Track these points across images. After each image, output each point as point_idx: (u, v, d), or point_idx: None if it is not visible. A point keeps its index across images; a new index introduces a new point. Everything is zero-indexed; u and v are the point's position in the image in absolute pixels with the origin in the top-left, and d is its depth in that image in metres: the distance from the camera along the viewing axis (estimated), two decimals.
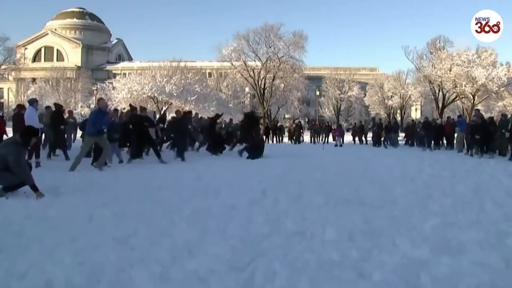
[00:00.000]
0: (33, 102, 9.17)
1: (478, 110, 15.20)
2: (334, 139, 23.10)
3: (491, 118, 14.90)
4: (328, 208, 4.68)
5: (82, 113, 42.33)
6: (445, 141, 17.38)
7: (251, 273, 2.77)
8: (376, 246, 3.32)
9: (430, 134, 16.86)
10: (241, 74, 44.48)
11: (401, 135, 21.96)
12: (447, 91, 41.50)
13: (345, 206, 4.81)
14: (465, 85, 39.00)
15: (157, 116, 17.96)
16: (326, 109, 53.33)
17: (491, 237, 3.53)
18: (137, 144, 10.38)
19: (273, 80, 43.50)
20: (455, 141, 16.36)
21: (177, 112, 13.67)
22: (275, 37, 42.78)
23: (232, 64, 44.38)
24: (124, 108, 33.03)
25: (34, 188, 5.17)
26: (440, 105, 41.89)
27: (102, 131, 8.58)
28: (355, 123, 28.82)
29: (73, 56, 62.14)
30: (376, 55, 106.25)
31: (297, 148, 18.70)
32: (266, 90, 43.89)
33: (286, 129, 28.57)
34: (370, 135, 22.22)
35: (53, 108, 11.74)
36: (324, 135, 24.33)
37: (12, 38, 52.92)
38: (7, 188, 5.24)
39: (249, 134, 12.20)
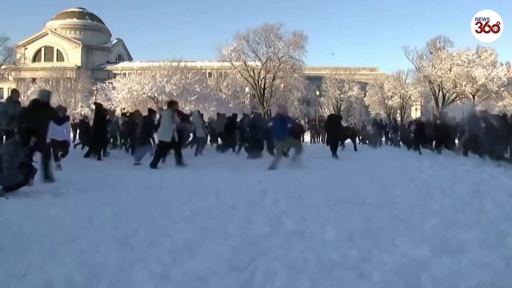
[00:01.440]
0: (59, 109, 8.95)
1: (446, 113, 15.77)
2: None
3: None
4: (328, 208, 4.68)
5: (82, 113, 42.26)
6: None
7: (251, 273, 2.77)
8: (376, 246, 3.32)
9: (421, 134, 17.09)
10: (241, 74, 44.48)
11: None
12: (447, 91, 41.53)
13: (345, 206, 4.81)
14: (465, 85, 39.06)
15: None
16: (326, 109, 53.25)
17: (491, 237, 3.53)
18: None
19: (273, 80, 43.51)
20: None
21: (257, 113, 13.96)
22: (275, 37, 42.80)
23: (232, 64, 44.38)
24: (124, 108, 33.06)
25: (6, 189, 5.21)
26: (440, 105, 41.89)
27: (287, 135, 8.99)
28: (354, 123, 28.76)
29: (73, 56, 62.06)
30: (376, 55, 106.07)
31: None
32: (266, 90, 43.90)
33: None
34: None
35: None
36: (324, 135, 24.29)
37: (12, 38, 52.73)
38: (7, 188, 5.24)
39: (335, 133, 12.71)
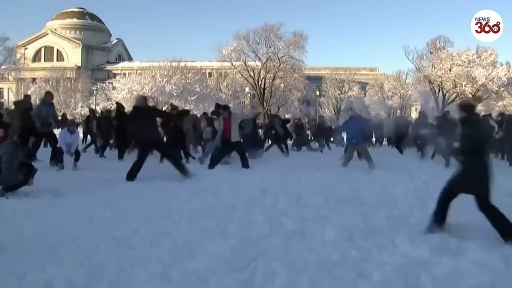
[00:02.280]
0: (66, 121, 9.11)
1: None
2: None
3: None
4: (328, 208, 4.68)
5: (82, 113, 42.24)
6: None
7: (251, 273, 2.77)
8: (376, 246, 3.32)
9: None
10: (241, 74, 44.43)
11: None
12: (447, 91, 41.50)
13: (345, 206, 4.80)
14: (465, 85, 39.04)
15: None
16: (326, 109, 53.26)
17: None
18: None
19: (273, 80, 43.46)
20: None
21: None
22: (275, 37, 42.75)
23: (232, 64, 44.35)
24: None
25: (6, 189, 5.22)
26: (440, 105, 41.88)
27: (361, 140, 9.22)
28: None
29: (73, 56, 62.04)
30: (376, 55, 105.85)
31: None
32: (266, 90, 43.85)
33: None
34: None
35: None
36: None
37: (12, 38, 52.50)
38: (7, 188, 5.24)
39: None
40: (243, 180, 6.90)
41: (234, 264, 2.95)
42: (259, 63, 43.42)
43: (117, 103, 12.43)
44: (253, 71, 43.69)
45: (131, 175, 6.93)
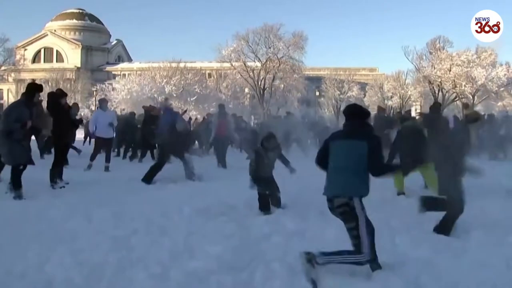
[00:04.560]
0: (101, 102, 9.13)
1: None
2: None
3: None
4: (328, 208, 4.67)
5: (82, 113, 42.18)
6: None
7: (251, 273, 2.77)
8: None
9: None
10: (240, 75, 44.46)
11: None
12: (446, 91, 41.53)
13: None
14: (464, 85, 39.09)
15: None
16: (326, 110, 53.24)
17: (491, 237, 3.53)
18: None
19: (272, 80, 43.46)
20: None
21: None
22: (275, 37, 42.76)
23: (232, 65, 44.36)
24: (123, 109, 33.09)
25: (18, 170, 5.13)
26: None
27: None
28: None
29: (73, 57, 62.00)
30: (376, 55, 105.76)
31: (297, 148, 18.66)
32: (265, 91, 43.86)
33: None
34: None
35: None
36: None
37: (11, 39, 52.63)
38: (15, 174, 5.16)
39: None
40: (243, 180, 6.88)
41: (234, 264, 2.94)
42: (258, 64, 43.42)
43: (143, 106, 11.98)
44: (253, 72, 43.67)
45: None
